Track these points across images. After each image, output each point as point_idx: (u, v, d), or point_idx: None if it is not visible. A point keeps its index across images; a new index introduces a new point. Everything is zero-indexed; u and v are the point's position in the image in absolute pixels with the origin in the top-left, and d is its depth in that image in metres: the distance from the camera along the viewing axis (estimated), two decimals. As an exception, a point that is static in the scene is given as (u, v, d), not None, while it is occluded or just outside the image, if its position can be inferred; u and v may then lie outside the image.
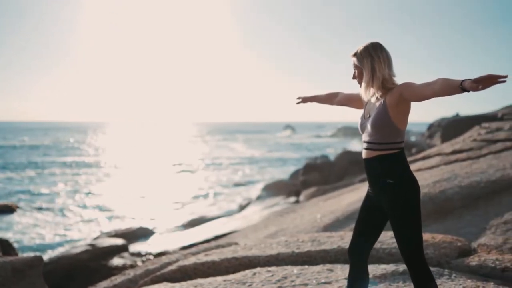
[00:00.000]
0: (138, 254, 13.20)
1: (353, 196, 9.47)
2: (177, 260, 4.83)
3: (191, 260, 4.52)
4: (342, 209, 8.06)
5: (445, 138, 16.09)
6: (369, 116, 2.60)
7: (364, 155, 2.64)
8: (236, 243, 5.61)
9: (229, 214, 20.18)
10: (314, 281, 3.66)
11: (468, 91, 2.08)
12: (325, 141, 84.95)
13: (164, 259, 5.05)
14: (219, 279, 3.85)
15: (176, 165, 44.65)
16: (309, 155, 42.32)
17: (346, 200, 9.18)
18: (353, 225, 7.18)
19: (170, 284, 4.01)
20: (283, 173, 36.23)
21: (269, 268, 4.01)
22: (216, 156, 54.96)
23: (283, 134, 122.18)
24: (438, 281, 3.53)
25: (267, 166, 44.57)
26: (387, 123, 2.50)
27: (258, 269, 4.01)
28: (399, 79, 2.59)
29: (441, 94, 2.24)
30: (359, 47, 2.62)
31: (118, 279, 4.98)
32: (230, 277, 3.89)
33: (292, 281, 3.69)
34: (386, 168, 2.52)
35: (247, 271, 3.99)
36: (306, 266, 4.05)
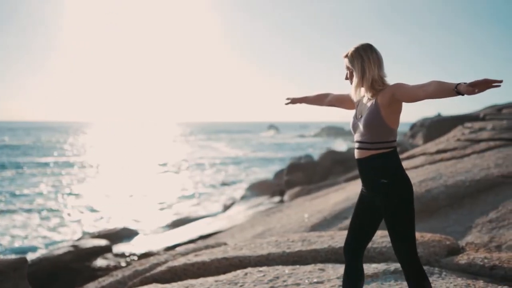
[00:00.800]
0: (122, 255, 13.06)
1: (339, 195, 9.51)
2: (166, 261, 4.78)
3: (181, 260, 4.47)
4: (329, 208, 8.08)
5: (428, 138, 16.26)
6: (361, 117, 2.61)
7: (357, 155, 2.64)
8: (225, 243, 5.57)
9: (213, 214, 20.13)
10: (306, 281, 3.64)
11: (463, 95, 2.10)
12: (308, 141, 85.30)
13: (153, 259, 4.99)
14: (210, 279, 3.81)
15: (160, 165, 44.35)
16: (293, 155, 42.43)
17: (333, 200, 9.21)
18: (340, 225, 7.24)
19: (160, 285, 3.96)
20: (267, 173, 36.26)
21: (260, 268, 3.99)
22: (200, 156, 54.74)
23: (267, 134, 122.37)
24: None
25: (251, 166, 44.56)
26: (380, 123, 2.51)
27: (249, 269, 3.98)
28: (391, 79, 2.61)
29: (434, 96, 2.27)
30: (351, 48, 2.64)
31: (105, 280, 4.90)
32: (222, 277, 3.85)
33: (284, 281, 3.67)
34: (380, 167, 2.54)
35: (238, 271, 3.97)
36: (297, 266, 4.03)
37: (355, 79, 2.60)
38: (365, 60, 2.55)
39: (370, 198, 2.64)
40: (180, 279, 4.20)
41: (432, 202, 7.11)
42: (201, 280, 3.86)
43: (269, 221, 9.79)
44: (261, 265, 4.18)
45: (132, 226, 17.73)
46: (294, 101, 3.23)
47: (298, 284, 3.60)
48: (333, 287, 3.52)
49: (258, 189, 23.26)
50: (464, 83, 2.08)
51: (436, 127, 17.04)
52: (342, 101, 2.97)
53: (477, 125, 12.46)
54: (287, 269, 3.93)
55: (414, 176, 8.27)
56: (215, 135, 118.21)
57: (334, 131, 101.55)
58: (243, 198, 22.22)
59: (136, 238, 16.07)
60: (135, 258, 12.71)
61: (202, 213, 20.81)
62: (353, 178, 12.84)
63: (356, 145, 2.64)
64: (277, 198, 19.82)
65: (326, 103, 3.08)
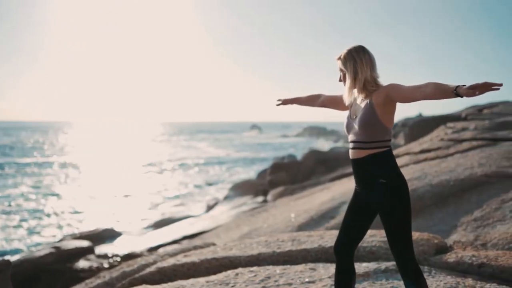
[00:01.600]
0: (105, 256, 12.90)
1: (325, 195, 9.54)
2: (154, 262, 4.72)
3: (170, 261, 4.42)
4: (316, 208, 8.09)
5: (411, 138, 16.44)
6: (356, 117, 2.63)
7: (352, 155, 2.65)
8: (213, 244, 5.53)
9: (196, 214, 20.05)
10: (298, 281, 3.63)
11: (462, 97, 2.13)
12: (291, 141, 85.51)
13: (140, 260, 4.92)
14: (201, 280, 3.77)
15: (143, 165, 43.95)
16: (276, 155, 42.49)
17: (318, 200, 9.24)
18: (327, 224, 7.25)
19: (149, 286, 3.90)
20: (250, 173, 36.25)
21: (251, 268, 3.97)
22: (182, 156, 54.44)
23: (249, 134, 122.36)
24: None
25: (234, 166, 44.49)
26: (375, 122, 2.54)
27: (240, 270, 3.96)
28: (383, 80, 2.64)
29: (432, 98, 2.30)
30: (343, 50, 2.67)
31: (92, 282, 4.82)
32: (213, 278, 3.82)
33: (276, 281, 3.65)
34: (377, 166, 2.55)
35: (229, 272, 3.94)
36: (288, 266, 4.02)
37: (348, 81, 2.63)
38: (357, 61, 2.58)
39: (365, 198, 2.64)
40: (170, 280, 4.15)
41: (418, 201, 7.17)
42: (191, 280, 3.82)
43: (255, 221, 9.78)
44: (251, 265, 4.15)
45: (114, 226, 17.53)
46: (285, 102, 3.24)
47: (290, 284, 3.58)
48: (325, 287, 3.51)
49: (241, 189, 23.23)
50: (463, 85, 2.11)
51: (418, 127, 17.25)
52: (334, 102, 2.99)
53: (459, 125, 12.64)
54: (278, 269, 3.92)
55: (399, 176, 8.32)
56: (198, 135, 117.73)
57: (317, 131, 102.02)
58: (226, 198, 22.17)
59: (119, 239, 15.91)
60: (118, 259, 12.58)
61: (185, 213, 20.71)
62: (338, 177, 12.91)
63: (351, 145, 2.65)
64: (260, 198, 19.83)
65: (318, 104, 3.09)
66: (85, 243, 13.36)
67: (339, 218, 7.38)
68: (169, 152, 61.89)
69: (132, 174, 37.44)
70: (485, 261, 4.09)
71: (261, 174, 26.45)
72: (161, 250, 13.43)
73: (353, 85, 2.61)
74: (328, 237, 4.64)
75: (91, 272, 11.75)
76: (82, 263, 12.23)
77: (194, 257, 4.42)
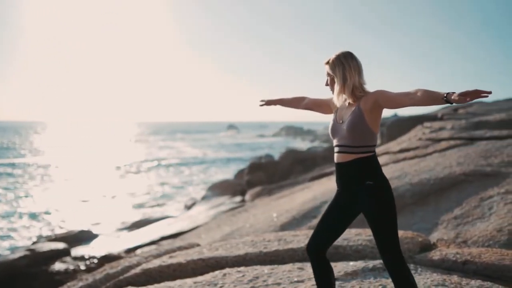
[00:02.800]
0: (81, 258, 12.70)
1: (306, 194, 9.57)
2: (138, 263, 4.64)
3: (156, 262, 4.36)
4: (298, 208, 8.11)
5: (389, 138, 16.67)
6: (342, 122, 2.67)
7: (338, 159, 2.68)
8: (198, 244, 5.48)
9: (174, 214, 19.93)
10: (286, 280, 3.62)
11: (452, 103, 2.22)
12: (268, 141, 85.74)
13: (124, 262, 4.83)
14: (189, 281, 3.72)
15: (119, 166, 43.34)
16: (253, 155, 42.52)
17: (300, 199, 9.26)
18: (310, 224, 7.27)
19: (135, 289, 3.83)
20: (228, 172, 36.19)
21: (239, 269, 3.94)
22: (160, 157, 53.96)
23: (226, 134, 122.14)
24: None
25: (212, 166, 44.36)
26: (364, 127, 2.59)
27: (227, 270, 3.93)
28: (369, 83, 2.70)
29: (421, 104, 2.38)
30: (332, 55, 2.72)
31: (75, 285, 4.70)
32: (200, 278, 3.78)
33: (264, 281, 3.64)
34: (364, 170, 2.59)
35: (216, 272, 3.90)
36: (276, 266, 4.01)
37: (336, 86, 2.67)
38: (346, 67, 2.62)
39: (349, 201, 2.67)
40: (156, 281, 4.09)
41: (398, 200, 7.24)
42: (178, 282, 3.77)
43: (236, 221, 9.75)
44: (238, 265, 4.13)
45: (91, 228, 17.25)
46: (269, 103, 3.27)
47: (278, 284, 3.57)
48: (313, 286, 3.51)
49: (219, 189, 23.19)
50: (453, 92, 2.17)
51: (396, 127, 17.53)
52: (319, 105, 3.03)
53: (436, 124, 12.86)
54: (266, 269, 3.90)
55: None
56: (175, 135, 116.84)
57: (294, 130, 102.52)
58: (204, 198, 22.10)
59: (95, 241, 15.68)
60: (95, 261, 12.39)
61: (163, 214, 20.56)
62: (317, 177, 12.98)
63: (337, 149, 2.69)
64: (238, 198, 19.84)
65: (302, 106, 3.14)
66: (60, 245, 13.12)
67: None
68: (146, 152, 61.28)
69: (109, 175, 36.91)
70: (469, 258, 4.16)
71: (239, 174, 26.46)
72: (139, 251, 13.31)
73: (342, 90, 2.65)
74: (314, 236, 4.64)
75: (68, 275, 11.54)
76: (58, 266, 12.01)
77: (180, 258, 4.37)
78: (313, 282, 3.61)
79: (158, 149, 68.96)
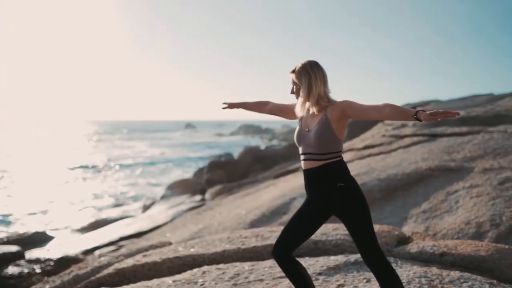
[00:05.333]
0: (37, 261, 12.17)
1: (273, 192, 9.54)
2: (109, 263, 4.43)
3: (129, 262, 4.17)
4: (267, 204, 8.06)
5: (351, 135, 16.94)
6: (309, 130, 2.71)
7: (306, 166, 2.70)
8: (170, 243, 5.31)
9: (133, 214, 19.53)
10: (269, 276, 3.55)
11: (421, 121, 2.33)
12: (227, 139, 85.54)
13: (93, 262, 4.60)
14: (168, 280, 3.57)
15: (75, 166, 41.92)
16: (212, 153, 42.31)
17: (267, 196, 9.22)
18: (280, 220, 7.23)
19: (109, 289, 3.64)
20: (187, 171, 35.80)
21: (218, 266, 3.83)
22: (116, 156, 52.75)
23: (184, 132, 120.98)
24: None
25: (170, 165, 43.77)
26: (331, 136, 2.63)
27: (206, 268, 3.81)
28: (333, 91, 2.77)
29: (389, 118, 2.51)
30: (298, 64, 2.76)
31: (41, 287, 4.44)
32: (179, 277, 3.63)
33: (246, 278, 3.54)
34: (332, 174, 2.63)
35: (195, 270, 3.77)
36: (256, 262, 3.92)
37: (302, 95, 2.71)
38: (312, 77, 2.67)
39: (318, 205, 2.66)
40: (130, 281, 3.91)
41: (368, 195, 7.33)
42: (156, 281, 3.62)
43: (202, 220, 9.59)
44: (217, 263, 4.02)
45: (46, 230, 16.60)
46: (231, 105, 3.29)
47: (261, 280, 3.49)
48: (298, 281, 3.44)
49: (178, 188, 22.94)
50: (423, 110, 2.30)
51: (357, 124, 17.86)
52: (284, 111, 3.08)
53: (398, 122, 13.10)
54: (246, 266, 3.81)
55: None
56: (132, 134, 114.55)
57: (252, 129, 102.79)
58: (163, 197, 21.80)
59: (51, 243, 15.11)
60: (51, 263, 11.93)
61: (121, 214, 20.09)
62: (283, 174, 12.99)
63: (304, 156, 2.72)
64: (198, 197, 19.66)
65: (266, 111, 3.19)
66: (13, 248, 12.57)
67: (291, 214, 7.39)
68: (103, 152, 59.71)
69: (63, 174, 35.69)
70: (445, 250, 4.22)
71: (198, 173, 26.25)
72: (98, 252, 12.93)
73: (307, 99, 2.70)
74: (291, 232, 4.58)
75: (22, 279, 11.05)
76: (11, 269, 11.48)
77: (155, 256, 4.20)
78: (297, 277, 3.55)
79: (115, 148, 67.36)
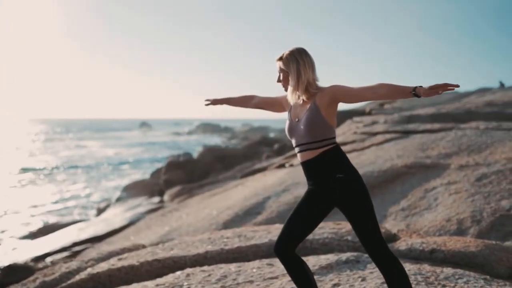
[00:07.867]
0: (-20, 269, 11.61)
1: (244, 191, 9.47)
2: (79, 268, 4.22)
3: (103, 266, 3.99)
4: (240, 204, 7.99)
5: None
6: (298, 120, 2.70)
7: (302, 158, 2.68)
8: (143, 246, 5.14)
9: (86, 218, 19.03)
10: (259, 278, 3.48)
11: (420, 97, 2.32)
12: (184, 139, 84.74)
13: (60, 268, 4.38)
14: (149, 284, 3.44)
15: (22, 168, 40.31)
16: (169, 153, 41.77)
17: (238, 196, 9.14)
18: (254, 220, 7.16)
19: (83, 296, 3.46)
20: (143, 172, 35.19)
21: (202, 268, 3.73)
22: (67, 156, 51.23)
23: (139, 132, 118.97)
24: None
25: (125, 165, 42.91)
26: (322, 123, 2.61)
27: (190, 270, 3.70)
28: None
29: (386, 98, 2.49)
30: (285, 51, 2.76)
31: (3, 297, 4.18)
32: (161, 281, 3.51)
33: (235, 279, 3.46)
34: (331, 163, 2.60)
35: (177, 273, 3.65)
36: (242, 263, 3.84)
37: (291, 82, 2.70)
38: (300, 63, 2.67)
39: (320, 197, 2.66)
40: (105, 286, 3.75)
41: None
42: (136, 285, 3.47)
43: (168, 222, 9.41)
44: (200, 265, 3.91)
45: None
46: (215, 102, 3.25)
47: (251, 282, 3.41)
48: (290, 281, 3.40)
49: (134, 190, 22.53)
50: (421, 86, 2.29)
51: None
52: (271, 104, 3.06)
53: (367, 119, 13.32)
54: (232, 267, 3.73)
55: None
56: (83, 134, 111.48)
57: (210, 128, 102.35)
58: (119, 200, 21.35)
59: (-3, 249, 14.50)
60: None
61: (73, 218, 19.54)
62: (251, 173, 12.93)
63: (298, 148, 2.70)
64: (156, 199, 19.36)
65: (252, 105, 3.17)
66: (-46, 257, 11.93)
67: (266, 214, 7.35)
68: (54, 152, 57.81)
69: (7, 178, 34.30)
70: (435, 247, 4.28)
71: (156, 174, 25.84)
72: (49, 259, 12.47)
73: (297, 86, 2.68)
74: (275, 232, 4.55)
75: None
76: None
77: (131, 259, 4.05)
78: (288, 278, 3.50)
79: (65, 148, 65.37)
